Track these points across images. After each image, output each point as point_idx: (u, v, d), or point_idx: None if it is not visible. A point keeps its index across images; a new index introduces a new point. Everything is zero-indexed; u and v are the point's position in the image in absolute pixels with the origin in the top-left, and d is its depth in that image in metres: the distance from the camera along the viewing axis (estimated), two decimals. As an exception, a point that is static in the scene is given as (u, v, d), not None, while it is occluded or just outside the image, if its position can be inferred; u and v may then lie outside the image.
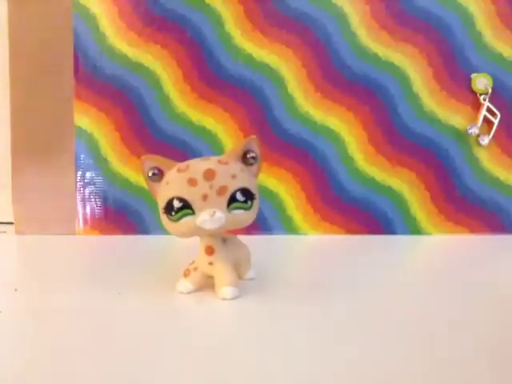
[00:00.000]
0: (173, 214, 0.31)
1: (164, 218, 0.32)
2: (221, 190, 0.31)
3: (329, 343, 0.25)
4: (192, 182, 0.31)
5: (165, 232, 0.33)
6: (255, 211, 0.32)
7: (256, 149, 0.33)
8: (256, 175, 0.34)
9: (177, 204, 0.31)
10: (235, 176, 0.31)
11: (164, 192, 0.32)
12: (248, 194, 0.32)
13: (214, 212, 0.30)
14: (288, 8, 0.56)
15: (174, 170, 0.32)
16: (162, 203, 0.32)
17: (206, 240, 0.33)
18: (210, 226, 0.31)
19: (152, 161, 0.33)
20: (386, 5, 0.56)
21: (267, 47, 0.56)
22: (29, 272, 0.41)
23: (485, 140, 0.56)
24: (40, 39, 0.56)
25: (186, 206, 0.31)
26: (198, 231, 0.31)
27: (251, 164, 0.33)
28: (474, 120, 0.56)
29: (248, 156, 0.33)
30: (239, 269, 0.35)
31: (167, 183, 0.32)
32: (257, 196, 0.32)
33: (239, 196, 0.31)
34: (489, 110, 0.56)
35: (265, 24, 0.57)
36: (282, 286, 0.35)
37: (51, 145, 0.57)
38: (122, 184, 0.57)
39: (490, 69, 0.56)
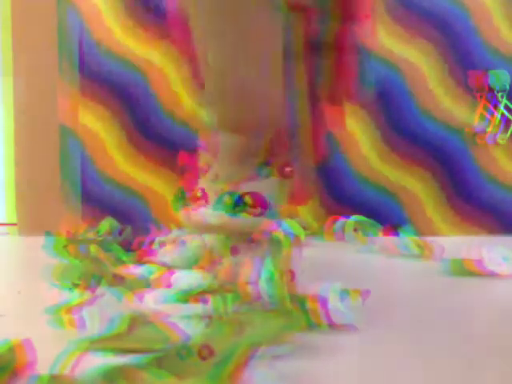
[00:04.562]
0: None
1: None
2: None
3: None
4: None
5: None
6: None
7: None
8: None
9: None
10: None
11: None
12: None
13: None
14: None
15: None
16: None
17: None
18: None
19: None
20: (401, 4, 0.55)
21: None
22: (32, 274, 0.40)
23: (503, 138, 0.55)
24: (44, 39, 0.56)
25: None
26: None
27: None
28: (489, 118, 0.55)
29: None
30: None
31: None
32: None
33: None
34: (507, 108, 0.55)
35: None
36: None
37: (54, 147, 0.57)
38: (126, 184, 0.56)
39: (507, 66, 0.55)
